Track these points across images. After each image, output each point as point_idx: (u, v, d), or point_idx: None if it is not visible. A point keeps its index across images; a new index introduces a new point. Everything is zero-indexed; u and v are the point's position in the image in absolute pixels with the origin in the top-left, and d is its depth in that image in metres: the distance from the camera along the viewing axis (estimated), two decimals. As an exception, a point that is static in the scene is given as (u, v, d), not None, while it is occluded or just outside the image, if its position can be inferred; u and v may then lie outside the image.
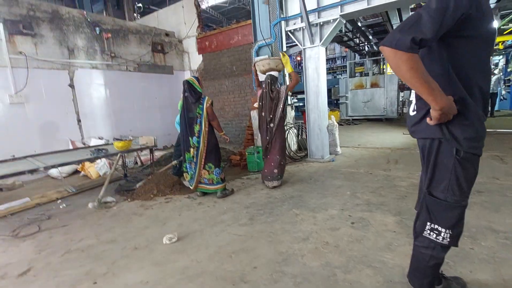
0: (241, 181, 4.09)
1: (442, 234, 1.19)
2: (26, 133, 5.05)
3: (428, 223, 1.23)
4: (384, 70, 12.12)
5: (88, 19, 5.93)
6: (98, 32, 6.05)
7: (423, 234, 1.25)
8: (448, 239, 1.19)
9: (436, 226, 1.20)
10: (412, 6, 7.10)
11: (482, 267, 1.74)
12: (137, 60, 6.84)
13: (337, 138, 5.39)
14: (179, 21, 7.91)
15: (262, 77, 3.93)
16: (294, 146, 5.53)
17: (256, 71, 3.96)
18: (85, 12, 6.07)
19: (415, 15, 0.99)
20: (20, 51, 4.96)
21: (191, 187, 3.51)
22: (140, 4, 9.51)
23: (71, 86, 5.68)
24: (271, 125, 3.58)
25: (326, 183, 3.72)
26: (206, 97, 3.41)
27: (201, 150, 3.35)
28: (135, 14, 9.16)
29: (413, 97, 1.25)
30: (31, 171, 3.08)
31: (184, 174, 3.51)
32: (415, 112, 1.23)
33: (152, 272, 1.98)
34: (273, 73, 3.75)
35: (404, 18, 8.33)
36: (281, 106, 3.53)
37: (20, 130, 4.99)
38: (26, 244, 2.56)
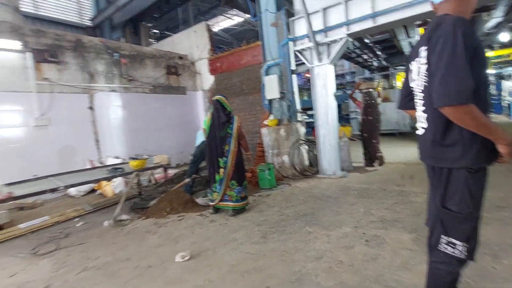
0: (253, 199, 4.09)
1: (458, 247, 1.18)
2: (48, 153, 5.31)
3: (444, 237, 1.21)
4: (394, 85, 12.09)
5: (108, 46, 6.35)
6: (116, 58, 6.44)
7: (438, 248, 1.23)
8: (465, 253, 1.17)
9: (451, 239, 1.19)
10: (418, 22, 7.20)
11: (505, 287, 1.66)
12: (152, 82, 7.17)
13: (349, 154, 5.35)
14: (191, 44, 8.32)
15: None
16: (305, 163, 5.51)
17: (358, 90, 5.84)
18: (105, 40, 6.51)
19: (448, 66, 1.03)
20: (45, 77, 5.34)
21: (211, 204, 3.53)
22: (156, 30, 10.10)
23: (91, 108, 5.99)
24: (376, 123, 5.46)
25: (339, 200, 3.67)
26: (236, 117, 3.45)
27: (228, 169, 3.38)
28: (151, 40, 9.71)
29: (420, 114, 1.27)
30: (52, 190, 3.23)
31: (214, 194, 3.47)
32: (423, 130, 1.25)
33: (166, 291, 1.99)
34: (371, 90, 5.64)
35: (410, 34, 8.40)
36: (376, 110, 5.47)
37: (43, 150, 5.26)
38: (44, 262, 2.64)
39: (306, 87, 18.52)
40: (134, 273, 2.28)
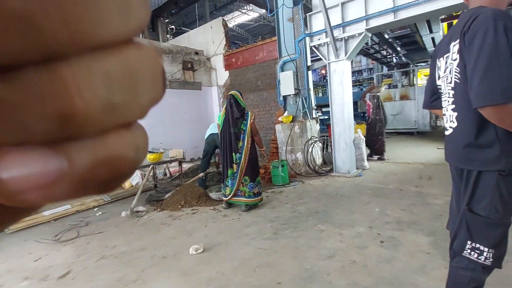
0: (265, 195, 4.10)
1: (485, 253, 1.11)
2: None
3: (469, 242, 1.15)
4: (414, 82, 11.68)
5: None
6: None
7: (463, 254, 1.17)
8: (491, 259, 1.11)
9: (477, 245, 1.13)
10: (443, 16, 6.89)
11: (532, 297, 1.58)
12: (169, 78, 7.28)
13: (364, 153, 5.24)
14: (207, 40, 8.35)
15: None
16: (319, 160, 5.46)
17: (370, 92, 6.41)
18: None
19: (490, 62, 0.95)
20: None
21: (224, 199, 3.56)
22: (172, 26, 10.21)
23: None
24: (383, 123, 6.07)
25: (353, 199, 3.61)
26: (249, 113, 3.44)
27: (242, 165, 3.39)
28: (168, 35, 9.82)
29: (449, 113, 1.19)
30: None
31: (227, 189, 3.49)
32: (451, 130, 1.18)
33: (179, 282, 2.04)
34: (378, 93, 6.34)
35: (433, 29, 8.06)
36: (383, 110, 6.16)
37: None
38: (66, 249, 2.77)
39: (321, 83, 18.24)
40: (149, 262, 2.36)
